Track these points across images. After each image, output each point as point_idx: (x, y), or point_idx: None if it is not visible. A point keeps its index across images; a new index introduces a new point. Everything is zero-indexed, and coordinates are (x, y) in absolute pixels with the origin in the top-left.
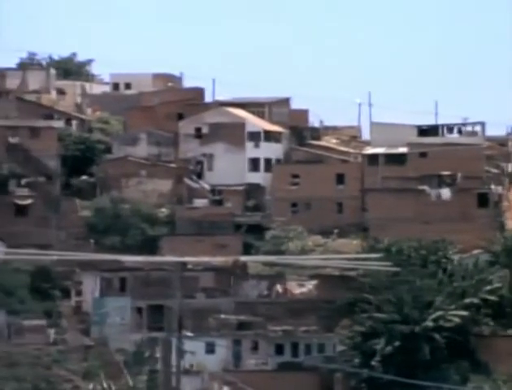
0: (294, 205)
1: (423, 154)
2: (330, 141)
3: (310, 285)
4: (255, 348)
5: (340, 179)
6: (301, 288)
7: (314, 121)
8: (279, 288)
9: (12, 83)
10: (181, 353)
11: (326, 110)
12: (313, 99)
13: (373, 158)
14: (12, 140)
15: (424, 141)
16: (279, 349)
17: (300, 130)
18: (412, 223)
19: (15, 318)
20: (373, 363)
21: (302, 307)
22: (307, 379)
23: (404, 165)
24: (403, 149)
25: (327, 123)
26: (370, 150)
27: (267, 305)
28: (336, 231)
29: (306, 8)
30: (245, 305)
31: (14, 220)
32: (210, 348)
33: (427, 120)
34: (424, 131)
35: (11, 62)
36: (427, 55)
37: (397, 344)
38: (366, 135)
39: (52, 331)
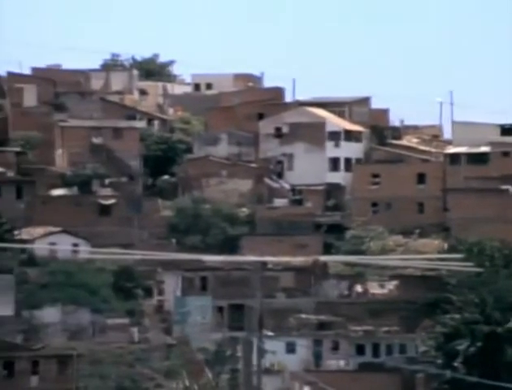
0: (375, 204)
1: (505, 154)
2: (411, 141)
3: (391, 285)
4: (336, 348)
5: (421, 178)
6: (382, 289)
7: (394, 120)
8: (359, 288)
9: (96, 84)
10: (262, 353)
11: (406, 109)
12: (393, 98)
13: (455, 158)
14: (96, 140)
15: (507, 140)
16: (360, 350)
17: (380, 129)
18: (494, 223)
19: (99, 317)
20: (456, 364)
21: (383, 307)
22: (389, 380)
23: (486, 164)
24: (485, 149)
25: (407, 123)
26: (451, 150)
27: (348, 305)
28: (417, 231)
29: (383, 7)
30: (326, 305)
31: (97, 220)
32: (291, 348)
33: (510, 119)
34: (507, 130)
35: (95, 63)
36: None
37: (479, 344)
38: (447, 134)
39: (135, 330)
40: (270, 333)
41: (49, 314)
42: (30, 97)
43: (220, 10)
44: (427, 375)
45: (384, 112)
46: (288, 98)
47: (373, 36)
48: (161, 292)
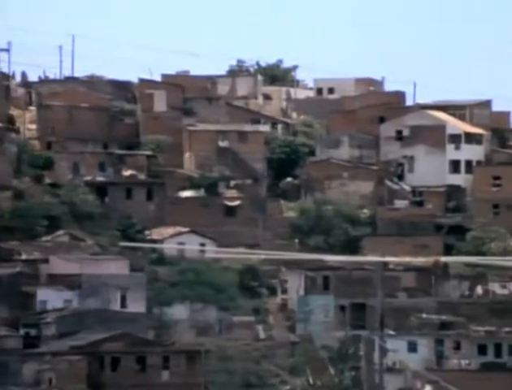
0: (496, 206)
1: None
2: None
3: None
4: (457, 347)
5: None
6: (504, 289)
7: None
8: (480, 288)
9: (222, 89)
10: (384, 351)
11: None
12: None
13: None
14: (222, 143)
15: None
16: (482, 350)
17: (501, 132)
18: None
19: (226, 315)
20: None
21: (505, 308)
22: (511, 380)
23: None
24: None
25: None
26: None
27: (469, 306)
28: None
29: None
30: (447, 304)
31: (223, 220)
32: (413, 347)
33: None
34: None
35: (222, 69)
36: None
37: None
38: None
39: (260, 328)
40: (391, 332)
41: (179, 311)
42: (160, 103)
43: (342, 16)
44: None
45: (506, 115)
46: (409, 102)
47: (494, 37)
48: (284, 291)
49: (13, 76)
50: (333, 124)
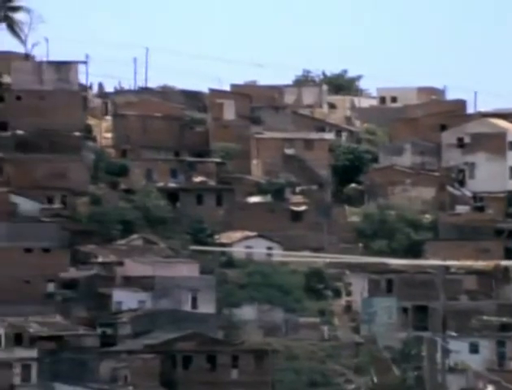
0: None
1: None
2: None
3: None
4: None
5: None
6: None
7: None
8: None
9: (289, 98)
10: (446, 352)
11: None
12: None
13: None
14: (288, 151)
15: None
16: None
17: None
18: None
19: (292, 316)
20: None
21: None
22: None
23: None
24: None
25: None
26: None
27: None
28: None
29: None
30: (507, 307)
31: (290, 225)
32: (474, 348)
33: None
34: None
35: (288, 79)
36: None
37: None
38: None
39: (325, 328)
40: (453, 333)
41: (247, 312)
42: (229, 112)
43: (404, 27)
44: None
45: None
46: (470, 110)
47: None
48: (349, 294)
49: (90, 87)
50: (396, 132)
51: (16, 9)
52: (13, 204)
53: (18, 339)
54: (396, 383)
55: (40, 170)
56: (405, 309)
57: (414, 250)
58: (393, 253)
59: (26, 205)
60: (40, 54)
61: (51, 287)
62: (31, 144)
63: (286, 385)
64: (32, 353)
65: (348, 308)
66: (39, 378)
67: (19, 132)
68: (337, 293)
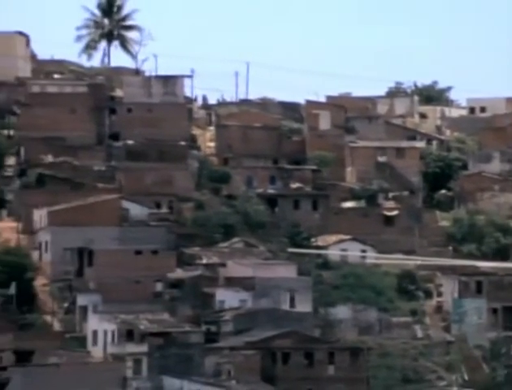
0: None
1: None
2: None
3: None
4: None
5: None
6: None
7: None
8: None
9: (382, 109)
10: None
11: None
12: None
13: None
14: (380, 159)
15: None
16: None
17: None
18: None
19: (385, 315)
20: None
21: None
22: None
23: None
24: None
25: None
26: None
27: None
28: None
29: None
30: None
31: (382, 229)
32: None
33: None
34: None
35: (381, 90)
36: None
37: None
38: None
39: (417, 327)
40: None
41: (342, 312)
42: (324, 122)
43: (491, 39)
44: None
45: None
46: None
47: None
48: (440, 294)
49: (195, 100)
50: (485, 140)
51: (129, 28)
52: (124, 209)
53: (129, 335)
54: (486, 381)
55: (148, 177)
56: (494, 310)
57: (503, 253)
58: (482, 257)
59: (136, 210)
60: (149, 69)
61: (159, 286)
62: (140, 153)
63: (380, 381)
64: (143, 348)
65: (439, 308)
66: (149, 371)
67: (130, 142)
68: (428, 294)
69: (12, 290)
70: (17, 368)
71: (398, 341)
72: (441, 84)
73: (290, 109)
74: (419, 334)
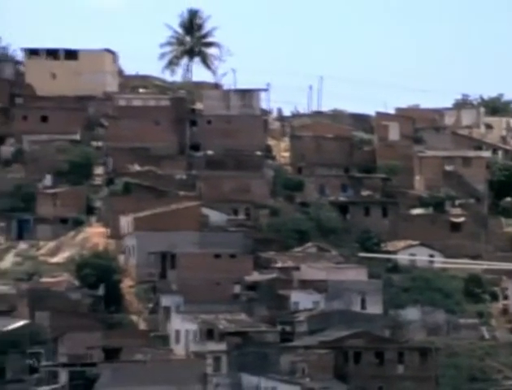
0: None
1: None
2: None
3: None
4: None
5: None
6: None
7: None
8: None
9: (449, 120)
10: None
11: None
12: None
13: None
14: (448, 167)
15: None
16: None
17: None
18: None
19: (453, 317)
20: None
21: None
22: None
23: None
24: None
25: None
26: None
27: None
28: None
29: None
30: None
31: (449, 235)
32: None
33: None
34: None
35: (448, 102)
36: None
37: None
38: None
39: (484, 329)
40: None
41: (411, 313)
42: (394, 133)
43: None
44: None
45: None
46: None
47: None
48: (505, 297)
49: (270, 112)
50: None
51: (209, 45)
52: (204, 216)
53: (209, 334)
54: None
55: (227, 185)
56: None
57: None
58: None
59: (215, 216)
60: (227, 83)
61: (237, 288)
62: (219, 162)
63: (448, 380)
64: (222, 346)
65: (505, 311)
66: (228, 368)
67: (209, 152)
68: (494, 297)
69: (101, 291)
70: (106, 364)
71: (465, 342)
72: (507, 97)
73: (361, 120)
74: (486, 335)
